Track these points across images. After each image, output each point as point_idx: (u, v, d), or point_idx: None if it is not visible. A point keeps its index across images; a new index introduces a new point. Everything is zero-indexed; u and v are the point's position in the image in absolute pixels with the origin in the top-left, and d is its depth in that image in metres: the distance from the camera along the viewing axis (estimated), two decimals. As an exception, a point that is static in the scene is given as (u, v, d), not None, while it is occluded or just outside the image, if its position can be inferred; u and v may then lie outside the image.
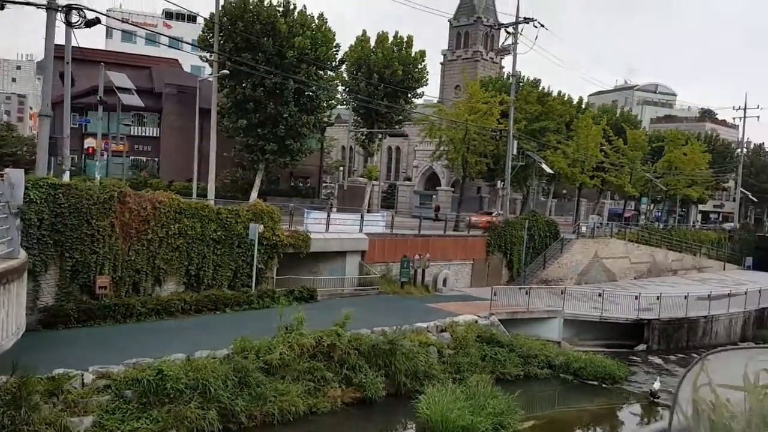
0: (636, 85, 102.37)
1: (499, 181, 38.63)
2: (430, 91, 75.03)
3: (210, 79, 32.76)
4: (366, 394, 17.81)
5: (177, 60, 53.05)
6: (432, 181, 60.62)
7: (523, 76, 47.32)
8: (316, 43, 33.63)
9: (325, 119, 37.36)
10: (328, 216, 26.97)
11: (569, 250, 39.13)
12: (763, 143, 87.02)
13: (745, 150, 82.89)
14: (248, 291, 22.93)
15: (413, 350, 19.30)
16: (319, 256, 26.04)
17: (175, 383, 14.82)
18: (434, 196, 53.29)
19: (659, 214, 69.85)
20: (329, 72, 35.37)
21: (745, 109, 68.06)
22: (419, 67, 39.32)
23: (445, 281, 30.55)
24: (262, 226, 23.08)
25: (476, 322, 23.38)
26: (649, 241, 47.82)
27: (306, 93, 33.94)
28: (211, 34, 32.68)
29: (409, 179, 62.72)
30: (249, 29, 31.97)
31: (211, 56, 33.42)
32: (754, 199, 74.80)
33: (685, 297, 29.70)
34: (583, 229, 42.09)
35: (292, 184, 43.86)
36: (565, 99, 48.54)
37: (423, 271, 29.40)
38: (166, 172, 40.54)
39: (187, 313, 21.06)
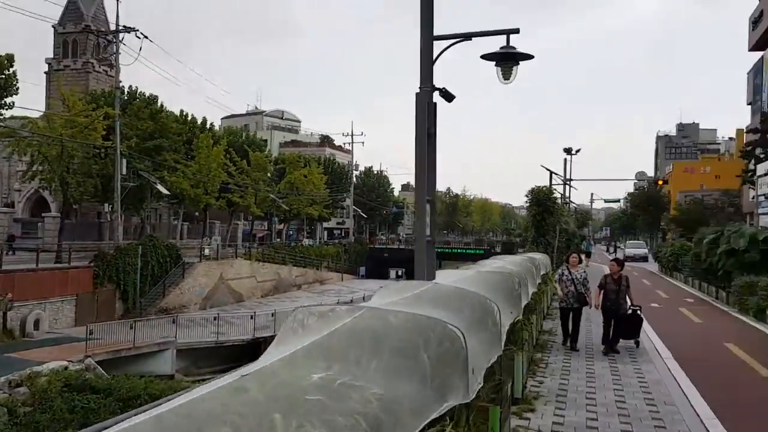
0: (264, 111, 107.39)
1: (106, 204, 35.08)
2: (37, 104, 65.86)
3: None
4: None
5: None
6: (41, 206, 52.71)
7: (139, 92, 44.38)
8: None
9: None
10: None
11: (192, 275, 37.75)
12: (372, 166, 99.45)
13: (357, 172, 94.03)
14: None
15: (-34, 419, 15.28)
16: None
17: None
18: (40, 224, 46.19)
19: (291, 232, 73.89)
20: None
21: (352, 135, 77.16)
22: (6, 73, 33.33)
23: (37, 323, 25.94)
24: None
25: (66, 368, 20.04)
26: (274, 259, 49.59)
27: None
28: None
29: (11, 205, 53.41)
30: None
31: None
32: (365, 216, 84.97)
33: (298, 311, 30.93)
34: (207, 251, 41.19)
35: None
36: (188, 118, 47.31)
37: (4, 314, 24.41)
38: None
39: None
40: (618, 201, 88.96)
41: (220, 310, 34.34)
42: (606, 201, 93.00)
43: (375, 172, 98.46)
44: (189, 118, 47.76)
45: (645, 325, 15.23)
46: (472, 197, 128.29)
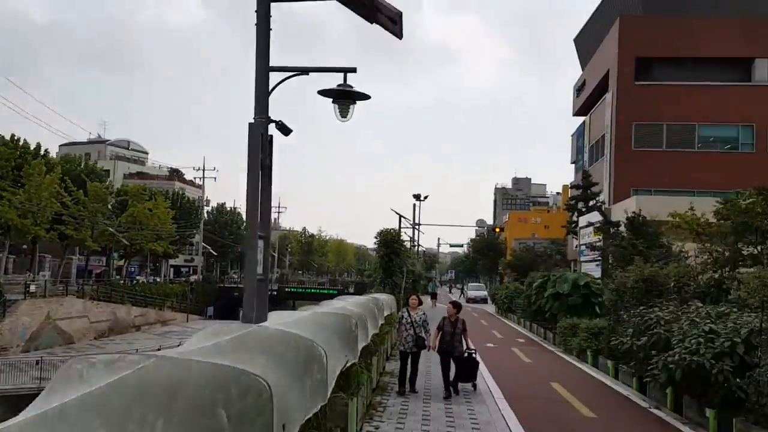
0: (108, 140, 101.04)
1: None
2: None
3: None
4: None
5: None
6: None
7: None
8: None
9: None
10: None
11: (14, 313, 33.91)
12: (225, 203, 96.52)
13: (209, 208, 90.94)
14: None
15: None
16: None
17: None
18: None
19: (132, 269, 69.17)
20: None
21: (203, 170, 74.72)
22: None
23: None
24: None
25: None
26: (111, 298, 45.97)
27: None
28: None
29: None
30: None
31: None
32: (215, 253, 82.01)
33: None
34: (33, 287, 37.26)
35: None
36: (19, 143, 43.35)
37: None
38: None
39: None
40: (461, 246, 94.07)
41: (46, 353, 31.06)
42: (451, 245, 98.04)
43: (229, 209, 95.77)
44: (21, 143, 43.72)
45: (480, 364, 15.92)
46: (327, 238, 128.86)
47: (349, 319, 6.57)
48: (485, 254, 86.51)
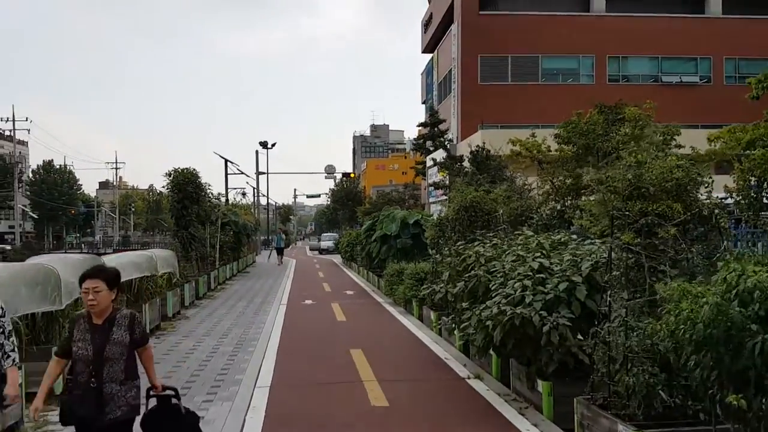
0: None
1: None
2: None
3: None
4: None
5: None
6: None
7: None
8: None
9: None
10: None
11: None
12: (52, 160, 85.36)
13: (34, 166, 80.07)
14: None
15: None
16: None
17: None
18: None
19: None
20: None
21: (14, 121, 64.09)
22: None
23: None
24: None
25: None
26: None
27: None
28: None
29: None
30: None
31: None
32: (35, 216, 72.26)
33: None
34: None
35: None
36: None
37: None
38: None
39: None
40: (318, 196, 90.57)
41: None
42: (308, 196, 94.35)
43: (58, 167, 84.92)
44: None
45: (267, 334, 12.15)
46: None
47: None
48: (344, 204, 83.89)
